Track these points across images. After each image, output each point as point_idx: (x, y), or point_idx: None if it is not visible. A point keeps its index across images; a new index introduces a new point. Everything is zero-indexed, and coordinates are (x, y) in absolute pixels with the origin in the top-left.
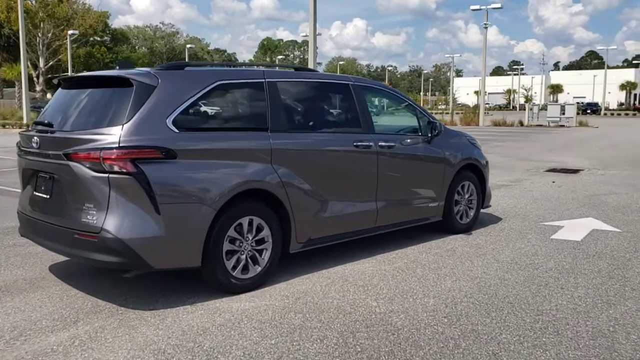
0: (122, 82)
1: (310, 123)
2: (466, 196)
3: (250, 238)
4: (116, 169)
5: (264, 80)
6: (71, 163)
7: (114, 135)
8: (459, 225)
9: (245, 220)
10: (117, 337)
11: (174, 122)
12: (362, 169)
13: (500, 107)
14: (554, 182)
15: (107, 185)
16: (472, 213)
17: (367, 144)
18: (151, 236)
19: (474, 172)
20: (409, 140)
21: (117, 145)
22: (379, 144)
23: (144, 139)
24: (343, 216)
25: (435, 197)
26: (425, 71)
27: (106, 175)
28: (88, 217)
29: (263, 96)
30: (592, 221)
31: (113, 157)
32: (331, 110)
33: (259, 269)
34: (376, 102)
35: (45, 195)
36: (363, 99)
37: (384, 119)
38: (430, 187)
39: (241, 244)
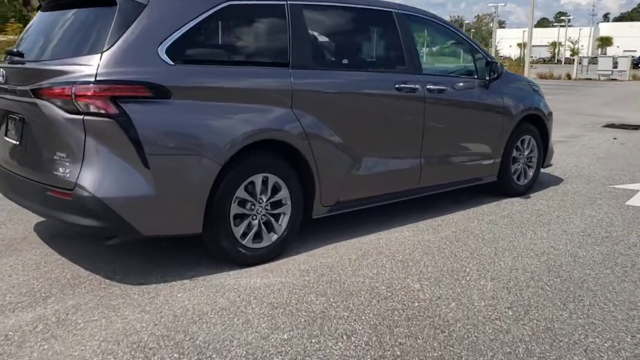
0: (105, 0)
1: (343, 59)
2: (525, 153)
3: (265, 200)
4: (93, 109)
5: (285, 2)
6: (39, 101)
7: (90, 66)
8: (516, 187)
9: (258, 179)
10: (91, 322)
11: (168, 52)
12: (405, 117)
13: (544, 61)
14: (615, 138)
15: (82, 130)
16: (531, 173)
17: (413, 86)
18: (138, 195)
19: (536, 124)
20: (462, 84)
21: (93, 79)
22: (427, 87)
23: (128, 71)
24: (379, 175)
25: (490, 154)
26: (466, 22)
27: (80, 117)
28: (60, 169)
29: (284, 23)
30: None
31: (89, 93)
32: (369, 44)
33: (275, 237)
34: (424, 37)
35: (14, 141)
36: (409, 31)
37: (433, 57)
38: (485, 142)
39: (253, 207)
